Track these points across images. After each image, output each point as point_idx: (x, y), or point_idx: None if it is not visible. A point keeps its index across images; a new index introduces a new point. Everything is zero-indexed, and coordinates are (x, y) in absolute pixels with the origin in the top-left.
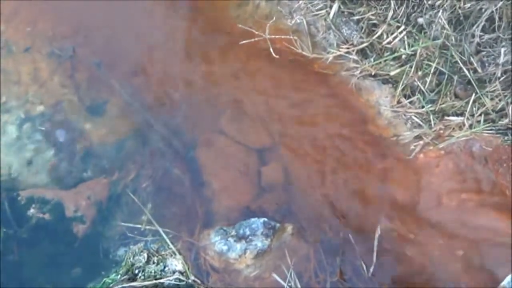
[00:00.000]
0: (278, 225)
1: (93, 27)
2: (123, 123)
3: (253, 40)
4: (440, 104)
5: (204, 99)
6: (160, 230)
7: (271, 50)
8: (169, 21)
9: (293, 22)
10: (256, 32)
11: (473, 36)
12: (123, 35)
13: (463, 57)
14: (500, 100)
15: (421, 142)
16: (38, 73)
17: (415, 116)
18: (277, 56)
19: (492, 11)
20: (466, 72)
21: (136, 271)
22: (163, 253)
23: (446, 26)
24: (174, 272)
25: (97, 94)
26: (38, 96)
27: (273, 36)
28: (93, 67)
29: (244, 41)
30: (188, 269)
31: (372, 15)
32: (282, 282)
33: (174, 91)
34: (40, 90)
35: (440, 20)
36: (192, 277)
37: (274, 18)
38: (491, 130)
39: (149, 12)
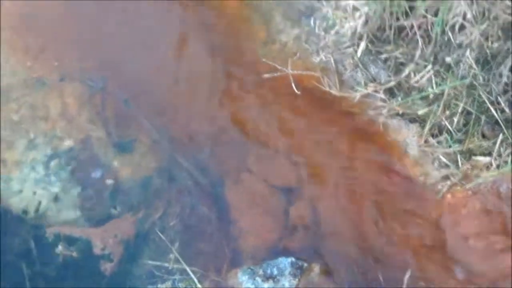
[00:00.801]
0: (305, 264)
1: (121, 63)
2: (151, 160)
3: (276, 74)
4: (468, 144)
5: (230, 137)
6: (188, 268)
7: (293, 85)
8: (196, 59)
9: (319, 59)
10: (280, 67)
11: (500, 75)
12: (150, 72)
13: (490, 97)
14: None
15: (448, 182)
16: (66, 109)
17: (443, 156)
18: (298, 92)
19: None
20: (494, 112)
21: None
22: None
23: (474, 65)
24: None
25: (125, 131)
26: (66, 132)
27: (296, 72)
28: (121, 104)
29: (267, 75)
30: None
31: (399, 53)
32: None
33: (201, 129)
34: (68, 126)
35: (467, 60)
36: None
37: (298, 54)
38: None
39: (177, 49)
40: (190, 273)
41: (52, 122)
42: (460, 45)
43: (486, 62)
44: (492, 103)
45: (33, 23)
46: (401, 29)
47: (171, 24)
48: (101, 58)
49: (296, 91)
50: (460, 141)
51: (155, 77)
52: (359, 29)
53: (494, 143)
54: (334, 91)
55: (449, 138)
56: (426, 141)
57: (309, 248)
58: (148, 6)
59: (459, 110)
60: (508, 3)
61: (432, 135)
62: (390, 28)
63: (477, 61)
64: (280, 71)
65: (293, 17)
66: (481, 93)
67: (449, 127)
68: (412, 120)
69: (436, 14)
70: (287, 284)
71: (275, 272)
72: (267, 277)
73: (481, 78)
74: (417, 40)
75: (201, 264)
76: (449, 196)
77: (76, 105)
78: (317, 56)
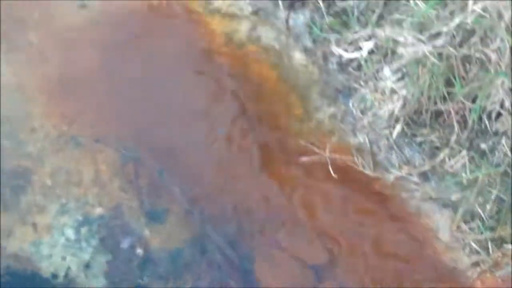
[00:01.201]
0: None
1: (157, 133)
2: (182, 231)
3: (313, 157)
4: (499, 232)
5: (262, 211)
6: None
7: (331, 170)
8: (232, 133)
9: (356, 140)
10: (317, 150)
11: None
12: (186, 144)
13: None
14: None
15: (478, 269)
16: (99, 176)
17: (474, 242)
18: (336, 176)
19: None
20: None
21: None
22: None
23: (509, 153)
24: None
25: (157, 201)
26: (97, 199)
27: (334, 156)
28: (155, 174)
29: (304, 159)
30: None
31: (435, 137)
32: None
33: (234, 203)
34: (100, 193)
35: (503, 147)
36: None
37: (337, 138)
38: None
39: (213, 123)
40: None
41: (84, 188)
42: (496, 133)
43: None
44: None
45: (70, 88)
46: (438, 113)
47: (209, 97)
48: (137, 127)
49: (333, 175)
50: (492, 228)
51: (191, 149)
52: (396, 112)
53: None
54: (368, 172)
55: (481, 224)
56: (458, 227)
57: None
58: (187, 79)
59: (492, 197)
60: None
61: (464, 221)
62: (427, 112)
63: None
64: (318, 155)
65: (330, 96)
66: None
67: (482, 213)
68: (445, 205)
69: (474, 101)
70: None
71: None
72: None
73: None
74: (453, 125)
75: None
76: (479, 282)
77: (109, 172)
78: (353, 136)
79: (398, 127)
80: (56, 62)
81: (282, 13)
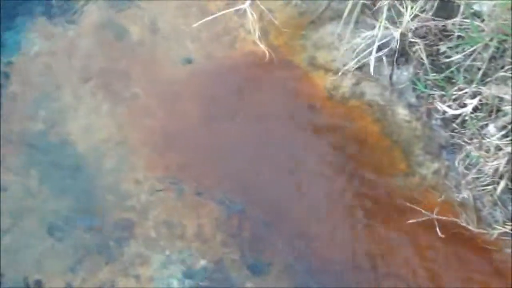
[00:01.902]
0: None
1: (261, 186)
2: (284, 284)
3: (420, 220)
4: None
5: (367, 267)
6: None
7: (438, 230)
8: (336, 187)
9: (459, 196)
10: (424, 212)
11: None
12: (290, 197)
13: None
14: None
15: None
16: (202, 230)
17: None
18: (443, 236)
19: None
20: None
21: None
22: None
23: None
24: None
25: (260, 254)
26: (200, 252)
27: (440, 217)
28: (259, 227)
29: (411, 221)
30: None
31: None
32: None
33: (336, 256)
34: (203, 247)
35: None
36: None
37: (443, 197)
38: None
39: (316, 176)
40: None
41: (187, 241)
42: None
43: None
44: None
45: (174, 141)
46: None
47: (312, 150)
48: (241, 180)
49: (440, 234)
50: None
51: (294, 203)
52: (501, 168)
53: None
54: (472, 227)
55: None
56: None
57: None
58: (290, 133)
59: None
60: None
61: None
62: None
63: None
64: (424, 216)
65: (433, 151)
66: None
67: None
68: None
69: None
70: None
71: None
72: None
73: None
74: None
75: None
76: None
77: (212, 226)
78: (457, 192)
79: (503, 184)
80: (159, 115)
81: (385, 69)
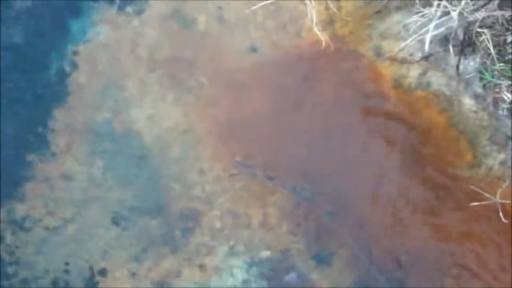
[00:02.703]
0: None
1: (328, 176)
2: (349, 274)
3: (484, 203)
4: None
5: (432, 257)
6: None
7: (501, 214)
8: (400, 177)
9: None
10: (487, 195)
11: None
12: (356, 188)
13: None
14: None
15: None
16: (267, 219)
17: None
18: (506, 221)
19: None
20: None
21: None
22: None
23: None
24: None
25: (325, 243)
26: (265, 242)
27: (504, 201)
28: (324, 216)
29: (474, 204)
30: None
31: None
32: None
33: (400, 246)
34: (267, 236)
35: None
36: None
37: (507, 182)
38: None
39: (382, 168)
40: None
41: (252, 231)
42: None
43: None
44: None
45: (240, 130)
46: None
47: (378, 141)
48: (307, 169)
49: (503, 219)
50: None
51: (360, 193)
52: None
53: None
54: None
55: None
56: None
57: None
58: (355, 123)
59: None
60: None
61: None
62: None
63: None
64: (488, 200)
65: (500, 142)
66: None
67: None
68: None
69: None
70: None
71: None
72: None
73: None
74: None
75: None
76: None
77: (278, 215)
78: None
79: None
80: (225, 104)
81: (452, 59)
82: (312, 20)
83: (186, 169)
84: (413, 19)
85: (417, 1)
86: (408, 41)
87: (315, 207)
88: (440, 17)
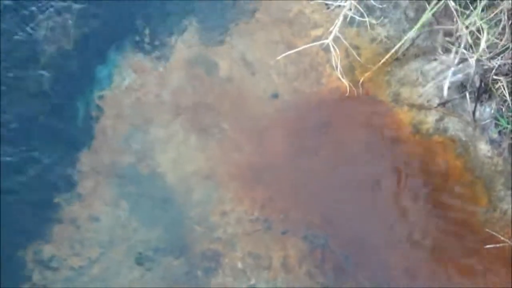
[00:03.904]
0: None
1: (344, 221)
2: None
3: (498, 245)
4: None
5: None
6: None
7: None
8: (417, 221)
9: None
10: (502, 238)
11: None
12: (371, 232)
13: None
14: None
15: None
16: (287, 261)
17: None
18: None
19: None
20: None
21: None
22: None
23: None
24: None
25: (342, 285)
26: (286, 282)
27: None
28: (341, 260)
29: (489, 246)
30: None
31: None
32: None
33: None
34: (287, 277)
35: None
36: None
37: None
38: None
39: (397, 214)
40: None
41: (273, 272)
42: None
43: None
44: None
45: (261, 175)
46: None
47: (395, 185)
48: (325, 215)
49: None
50: None
51: (375, 236)
52: None
53: None
54: None
55: None
56: None
57: None
58: (373, 167)
59: None
60: None
61: None
62: None
63: None
64: (502, 242)
65: None
66: None
67: None
68: None
69: None
70: None
71: None
72: None
73: None
74: None
75: None
76: None
77: (297, 257)
78: None
79: None
80: (247, 149)
81: (469, 105)
82: (336, 67)
83: (208, 211)
84: (432, 66)
85: (438, 48)
86: (426, 88)
87: (330, 251)
88: (457, 64)
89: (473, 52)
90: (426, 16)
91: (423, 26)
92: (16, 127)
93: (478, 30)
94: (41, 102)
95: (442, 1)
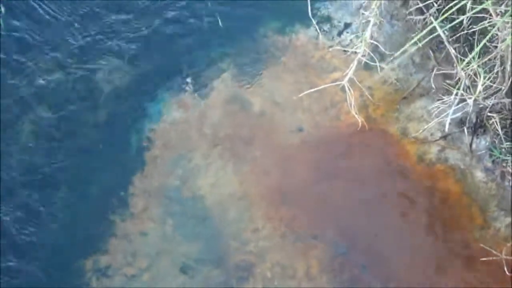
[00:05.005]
0: None
1: (362, 233)
2: None
3: (491, 258)
4: None
5: None
6: None
7: (506, 269)
8: (421, 235)
9: None
10: (494, 252)
11: None
12: (387, 244)
13: None
14: None
15: None
16: (310, 270)
17: None
18: (509, 274)
19: None
20: None
21: None
22: None
23: None
24: None
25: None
26: None
27: (508, 257)
28: (358, 269)
29: (484, 259)
30: None
31: None
32: None
33: None
34: (310, 284)
35: None
36: None
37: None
38: None
39: (405, 229)
40: None
41: (298, 280)
42: None
43: None
44: None
45: (287, 196)
46: None
47: (402, 207)
48: (342, 229)
49: (507, 272)
50: None
51: (387, 250)
52: None
53: None
54: None
55: None
56: None
57: None
58: (384, 191)
59: None
60: None
61: None
62: None
63: None
64: (495, 256)
65: (506, 208)
66: None
67: None
68: None
69: None
70: None
71: None
72: None
73: None
74: None
75: None
76: None
77: (318, 267)
78: None
79: None
80: (275, 174)
81: (466, 138)
82: (350, 105)
83: (242, 228)
84: (435, 105)
85: (440, 90)
86: (430, 124)
87: (349, 260)
88: (457, 104)
89: (471, 93)
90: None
91: (427, 70)
92: (77, 154)
93: (475, 74)
94: (100, 133)
95: (445, 49)
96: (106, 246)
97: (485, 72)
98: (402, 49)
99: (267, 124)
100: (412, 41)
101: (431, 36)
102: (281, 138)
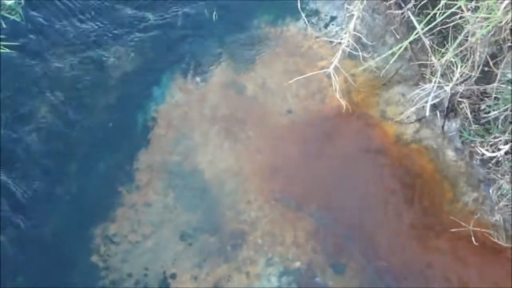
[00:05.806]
0: None
1: (343, 207)
2: (357, 282)
3: (460, 229)
4: None
5: (418, 269)
6: None
7: (473, 239)
8: (396, 206)
9: (493, 218)
10: (464, 224)
11: None
12: (364, 214)
13: None
14: None
15: None
16: (297, 239)
17: None
18: (476, 244)
19: None
20: None
21: None
22: None
23: None
24: None
25: (340, 257)
26: (295, 256)
27: (475, 229)
28: (340, 237)
29: (453, 230)
30: None
31: None
32: None
33: (398, 261)
34: (297, 251)
35: None
36: None
37: (479, 215)
38: None
39: (384, 201)
40: None
41: (286, 247)
42: None
43: None
44: None
45: (277, 172)
46: None
47: (380, 181)
48: (327, 202)
49: (474, 242)
50: None
51: (366, 220)
52: None
53: None
54: (501, 242)
55: None
56: None
57: None
58: (364, 166)
59: None
60: None
61: None
62: None
63: None
64: (463, 227)
65: (474, 184)
66: None
67: None
68: None
69: None
70: None
71: None
72: None
73: None
74: None
75: None
76: None
77: (305, 236)
78: (491, 216)
79: None
80: (267, 151)
81: (439, 121)
82: (335, 90)
83: (236, 200)
84: (415, 92)
85: (416, 77)
86: (411, 109)
87: (332, 230)
88: (436, 97)
89: (445, 81)
90: (402, 47)
91: (405, 59)
92: (89, 132)
93: (448, 64)
94: (110, 113)
95: (421, 41)
96: (113, 215)
97: (455, 62)
98: (390, 51)
99: (259, 107)
100: (401, 49)
101: (412, 37)
102: (272, 119)
